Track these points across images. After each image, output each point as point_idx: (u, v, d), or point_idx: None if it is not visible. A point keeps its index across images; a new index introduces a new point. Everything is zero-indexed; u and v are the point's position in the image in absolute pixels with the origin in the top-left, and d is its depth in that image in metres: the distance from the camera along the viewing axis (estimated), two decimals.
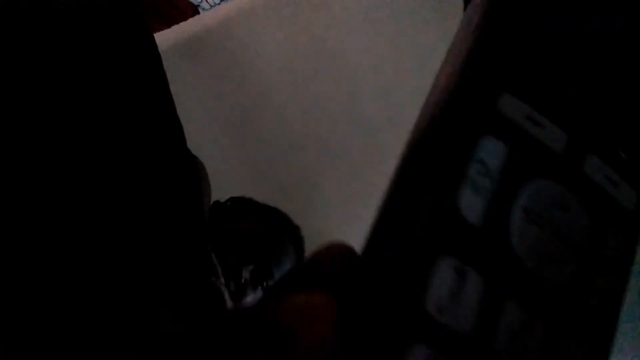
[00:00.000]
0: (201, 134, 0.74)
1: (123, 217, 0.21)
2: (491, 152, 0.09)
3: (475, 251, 0.09)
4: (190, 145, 0.28)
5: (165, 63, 0.25)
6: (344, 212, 0.71)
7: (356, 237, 0.12)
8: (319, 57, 0.79)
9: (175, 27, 0.79)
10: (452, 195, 0.09)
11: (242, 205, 0.35)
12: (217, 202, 0.35)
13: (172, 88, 0.26)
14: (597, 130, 0.10)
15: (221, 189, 0.30)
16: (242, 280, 0.42)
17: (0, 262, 0.18)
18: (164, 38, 0.76)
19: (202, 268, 0.25)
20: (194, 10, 0.93)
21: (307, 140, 0.79)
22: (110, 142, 0.21)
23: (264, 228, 0.46)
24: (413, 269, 0.09)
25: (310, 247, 0.61)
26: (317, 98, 0.77)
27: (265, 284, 0.43)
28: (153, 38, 0.25)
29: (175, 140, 0.25)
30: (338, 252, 0.11)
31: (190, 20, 0.81)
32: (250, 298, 0.42)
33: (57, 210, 0.19)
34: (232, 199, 0.35)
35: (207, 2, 0.92)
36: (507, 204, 0.09)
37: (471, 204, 0.09)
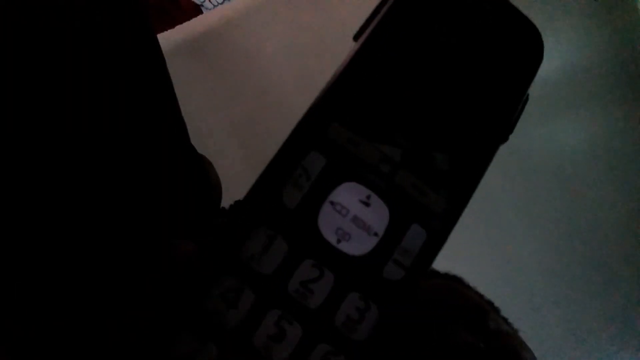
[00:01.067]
0: (205, 133, 0.74)
1: (123, 217, 0.21)
2: (313, 162, 0.14)
3: (286, 225, 0.14)
4: (195, 144, 0.28)
5: (168, 63, 0.25)
6: None
7: None
8: (323, 55, 0.79)
9: (178, 27, 0.79)
10: (279, 188, 0.14)
11: None
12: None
13: (176, 88, 0.26)
14: (413, 150, 0.14)
15: (226, 188, 0.30)
16: None
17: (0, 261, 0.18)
18: (167, 38, 0.76)
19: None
20: (197, 10, 0.93)
21: None
22: (113, 142, 0.21)
23: None
24: (237, 231, 0.13)
25: None
26: None
27: None
28: (157, 38, 0.25)
29: (179, 139, 0.25)
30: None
31: (194, 20, 0.81)
32: None
33: (56, 209, 0.19)
34: None
35: (210, 2, 0.92)
36: (319, 198, 0.14)
37: (290, 195, 0.14)
